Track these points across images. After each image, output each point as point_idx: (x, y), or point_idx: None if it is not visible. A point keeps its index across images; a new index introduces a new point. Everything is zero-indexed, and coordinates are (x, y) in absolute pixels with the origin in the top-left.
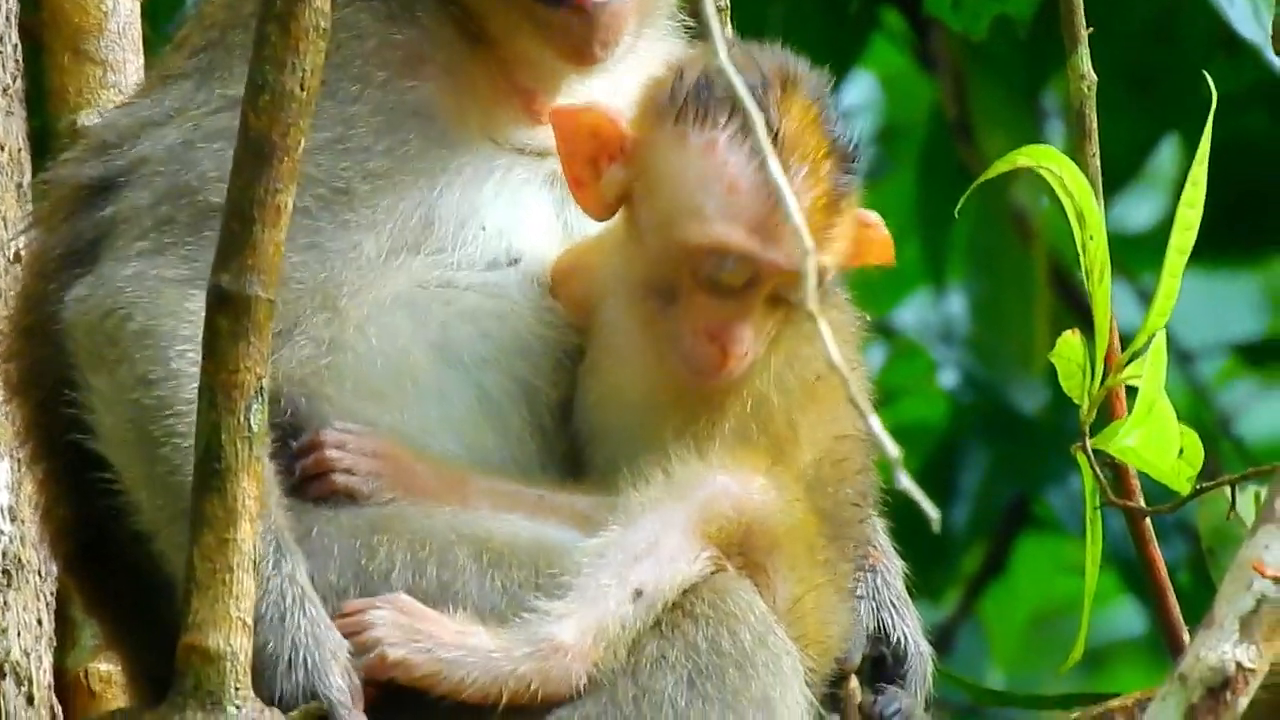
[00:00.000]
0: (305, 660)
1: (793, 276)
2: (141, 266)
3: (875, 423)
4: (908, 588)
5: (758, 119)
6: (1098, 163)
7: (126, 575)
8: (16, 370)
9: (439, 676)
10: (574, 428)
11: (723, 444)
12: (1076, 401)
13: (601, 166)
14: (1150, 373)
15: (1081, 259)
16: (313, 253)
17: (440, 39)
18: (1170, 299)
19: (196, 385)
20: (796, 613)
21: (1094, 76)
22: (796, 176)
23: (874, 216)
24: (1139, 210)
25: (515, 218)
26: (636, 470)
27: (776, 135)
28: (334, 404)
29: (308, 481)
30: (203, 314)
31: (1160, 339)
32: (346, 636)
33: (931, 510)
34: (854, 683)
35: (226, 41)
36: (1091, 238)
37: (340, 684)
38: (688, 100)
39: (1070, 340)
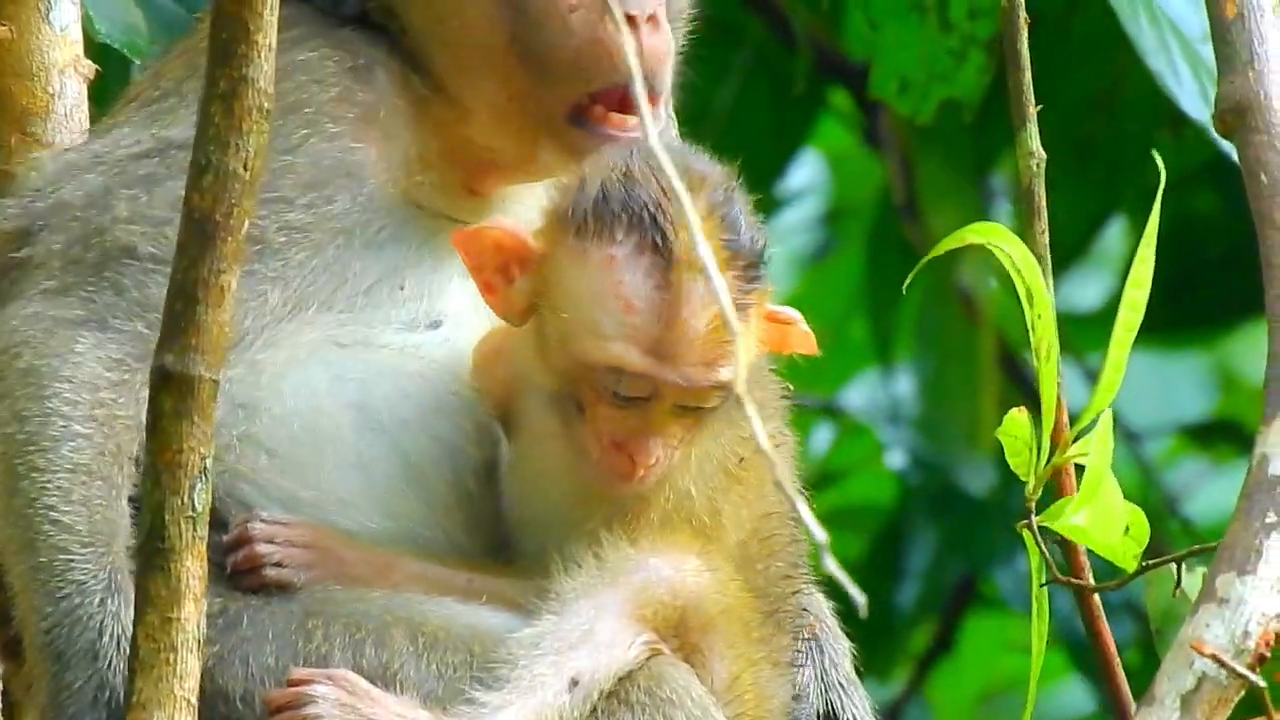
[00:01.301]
0: (109, 701)
1: (695, 393)
2: (40, 307)
3: (803, 507)
4: (855, 668)
5: (694, 221)
6: (1046, 240)
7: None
8: None
9: None
10: (501, 512)
11: (651, 528)
12: (1023, 479)
13: (512, 274)
14: (1097, 451)
15: (1030, 337)
16: None
17: (393, 105)
18: (1117, 377)
19: (64, 423)
20: (735, 691)
21: (1043, 154)
22: (694, 291)
23: (791, 314)
24: (1086, 290)
25: (437, 282)
26: (566, 556)
27: (671, 250)
28: (250, 479)
29: (238, 574)
30: (91, 354)
31: (1107, 417)
32: (288, 708)
33: (858, 595)
34: None
35: (181, 90)
36: (1040, 316)
37: None
38: (587, 214)
39: (1017, 418)
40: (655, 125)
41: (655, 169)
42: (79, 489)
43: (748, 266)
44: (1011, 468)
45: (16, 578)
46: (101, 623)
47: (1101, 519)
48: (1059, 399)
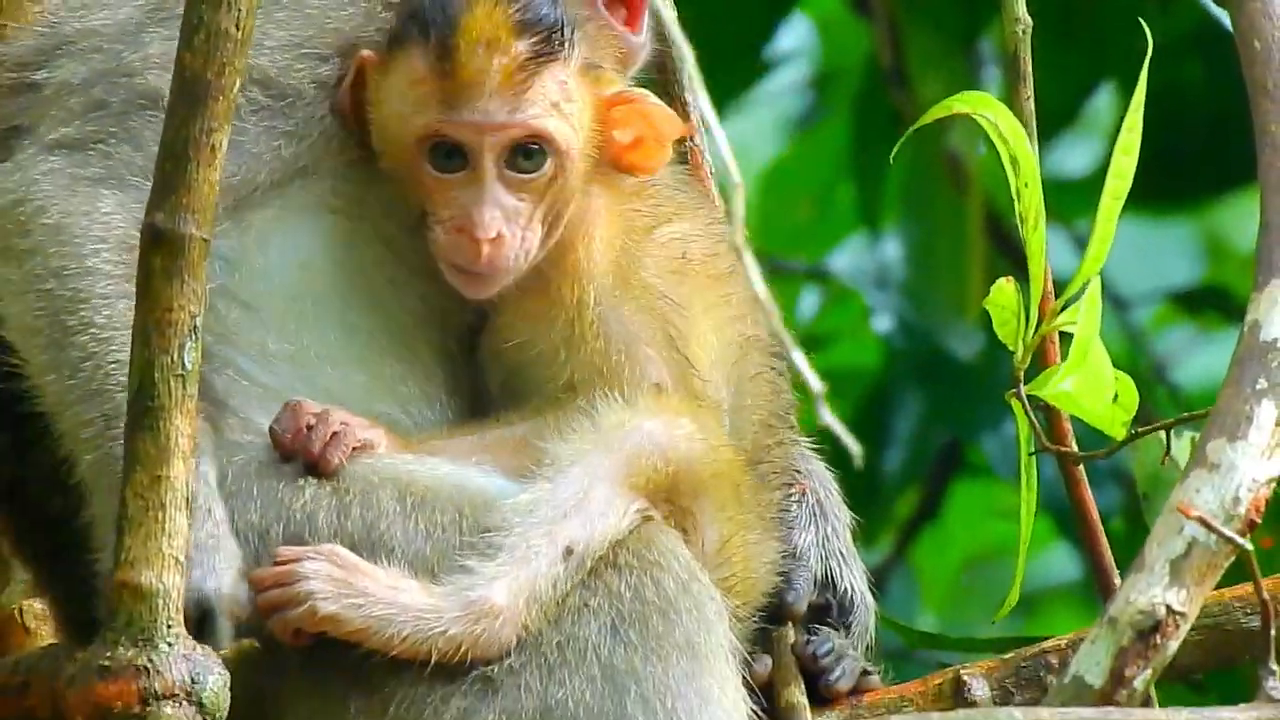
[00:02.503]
0: (202, 561)
1: (503, 136)
2: (58, 163)
3: (800, 359)
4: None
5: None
6: (1033, 107)
7: (44, 520)
8: None
9: (369, 633)
10: (481, 378)
11: (639, 387)
12: (1011, 349)
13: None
14: (1085, 319)
15: (1016, 206)
16: (230, 158)
17: None
18: (1105, 245)
19: (112, 283)
20: (724, 554)
21: (1029, 20)
22: (476, 53)
23: (640, 92)
24: (1074, 157)
25: None
26: (559, 418)
27: (456, 26)
28: (216, 331)
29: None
30: (118, 214)
31: (1095, 285)
32: (278, 586)
33: (854, 446)
34: (788, 624)
35: None
36: (1026, 184)
37: (230, 592)
38: (392, 33)
39: (1004, 288)
40: None
41: None
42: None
43: (533, 31)
44: (999, 337)
45: (83, 425)
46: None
47: (1090, 386)
48: (1046, 267)
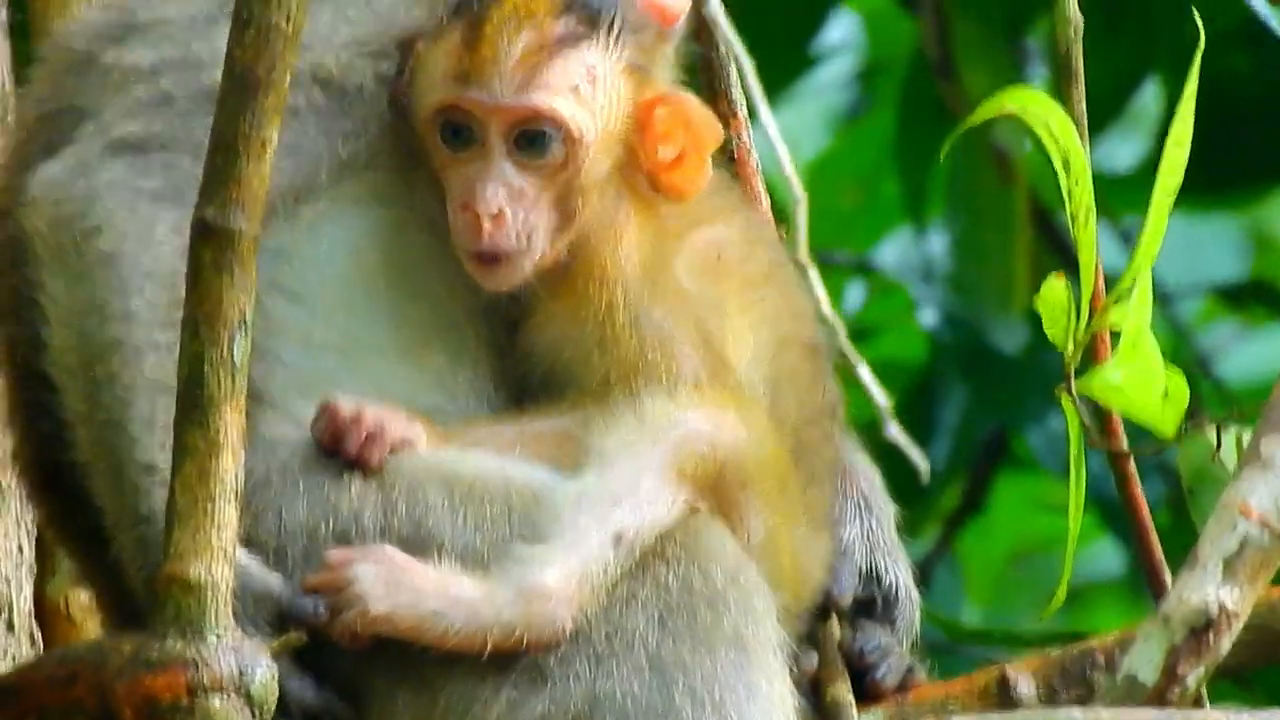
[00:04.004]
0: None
1: (513, 118)
2: (121, 172)
3: (864, 371)
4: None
5: None
6: (1083, 107)
7: (87, 507)
8: None
9: (424, 629)
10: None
11: (678, 383)
12: (1060, 348)
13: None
14: (1136, 314)
15: (1066, 204)
16: (289, 158)
17: None
18: (1156, 241)
19: (146, 331)
20: (770, 548)
21: (1080, 19)
22: (505, 27)
23: (682, 95)
24: (1121, 151)
25: None
26: (602, 411)
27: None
28: (269, 326)
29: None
30: (170, 242)
31: (1145, 281)
32: (328, 591)
33: (921, 461)
34: (833, 619)
35: None
36: (1077, 183)
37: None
38: (446, 12)
39: (1054, 285)
40: None
41: None
42: (162, 413)
43: (576, 18)
44: (1049, 335)
45: (104, 494)
46: None
47: (1140, 383)
48: (1097, 263)
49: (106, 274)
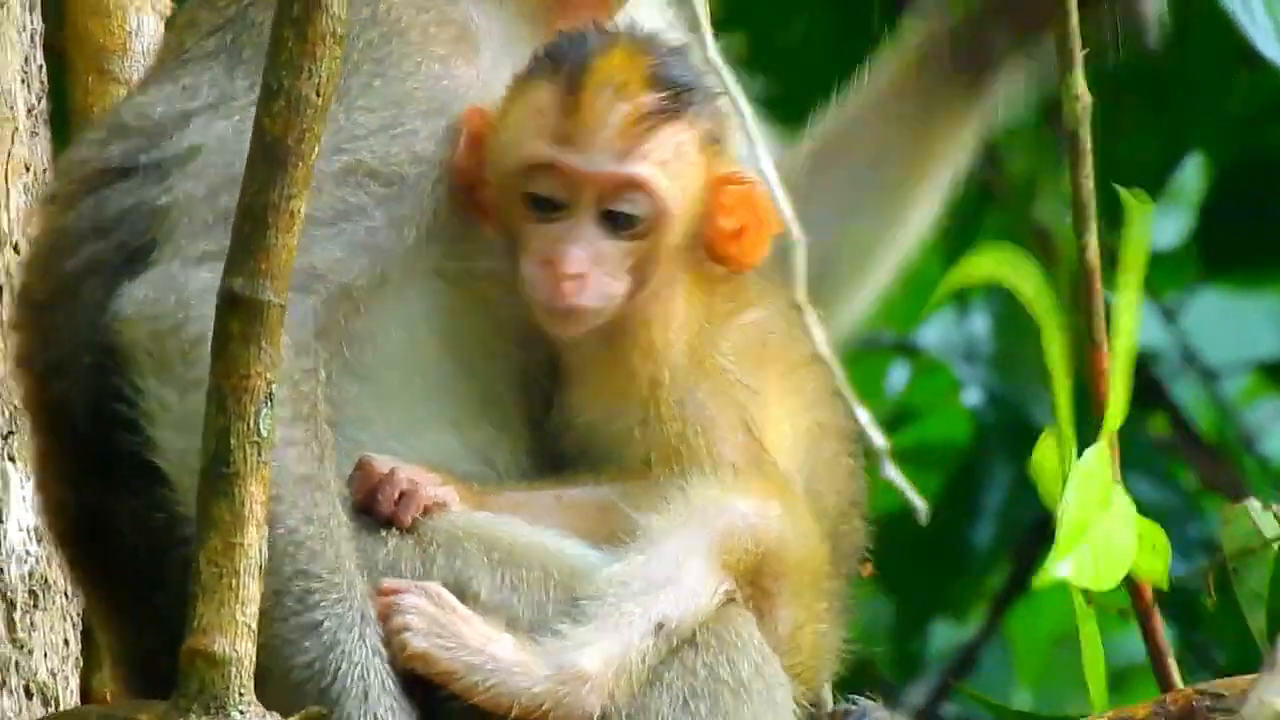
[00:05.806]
0: None
1: (606, 189)
2: (209, 279)
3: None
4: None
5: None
6: (1091, 184)
7: (124, 553)
8: (20, 342)
9: (455, 676)
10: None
11: (724, 465)
12: (1051, 509)
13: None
14: (1076, 500)
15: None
16: (365, 255)
17: (480, 20)
18: (1118, 417)
19: (281, 430)
20: (795, 641)
21: (1088, 98)
22: (602, 94)
23: (749, 174)
24: (1163, 226)
25: None
26: (646, 488)
27: (587, 66)
28: (339, 403)
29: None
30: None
31: (1103, 451)
32: (377, 617)
33: (919, 502)
34: (825, 692)
35: (247, 18)
36: (1057, 341)
37: None
38: (527, 67)
39: (1046, 446)
40: None
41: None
42: (311, 507)
43: (668, 92)
44: (1043, 499)
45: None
46: (366, 660)
47: (1106, 563)
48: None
49: None
